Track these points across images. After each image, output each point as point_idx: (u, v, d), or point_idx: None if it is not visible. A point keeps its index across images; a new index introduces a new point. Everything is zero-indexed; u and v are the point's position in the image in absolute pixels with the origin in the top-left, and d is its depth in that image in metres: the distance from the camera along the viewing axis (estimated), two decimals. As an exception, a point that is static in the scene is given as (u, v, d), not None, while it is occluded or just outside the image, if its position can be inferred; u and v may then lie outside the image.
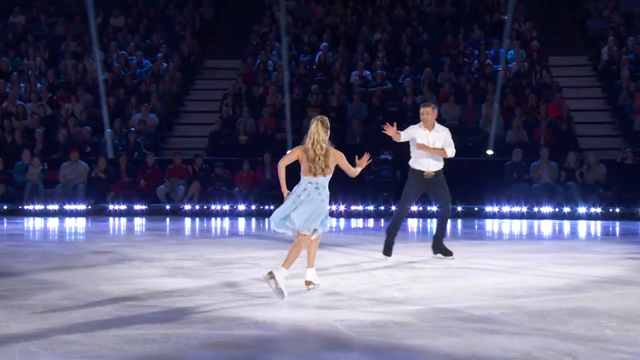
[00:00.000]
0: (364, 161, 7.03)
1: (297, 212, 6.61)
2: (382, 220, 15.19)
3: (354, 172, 6.99)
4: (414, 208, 15.47)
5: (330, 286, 6.91)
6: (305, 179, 6.80)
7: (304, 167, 6.82)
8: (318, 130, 6.74)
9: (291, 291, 6.54)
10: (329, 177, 6.80)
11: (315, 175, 6.75)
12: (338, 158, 6.83)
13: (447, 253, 8.84)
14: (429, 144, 8.57)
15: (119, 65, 21.18)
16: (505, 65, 20.34)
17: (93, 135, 18.60)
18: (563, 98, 19.05)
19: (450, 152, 8.74)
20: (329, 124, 6.83)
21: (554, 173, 16.43)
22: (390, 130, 8.07)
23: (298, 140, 18.16)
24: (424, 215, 15.98)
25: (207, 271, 7.89)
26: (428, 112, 8.56)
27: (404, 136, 8.55)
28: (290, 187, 6.89)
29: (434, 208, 16.00)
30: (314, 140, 6.73)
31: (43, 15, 23.72)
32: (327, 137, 6.78)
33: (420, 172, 8.60)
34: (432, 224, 14.51)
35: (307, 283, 6.82)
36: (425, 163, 8.60)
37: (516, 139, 17.78)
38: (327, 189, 6.79)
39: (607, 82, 20.28)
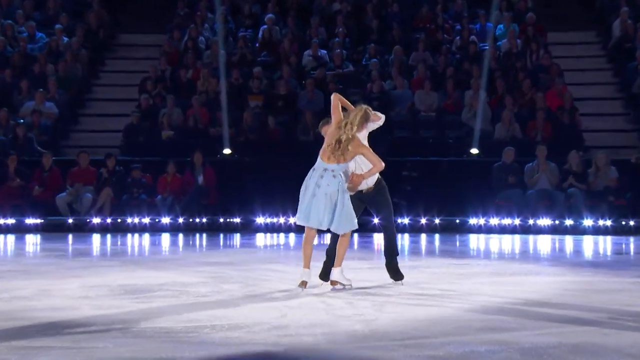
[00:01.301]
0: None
1: (320, 211, 8.16)
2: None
3: (379, 167, 8.34)
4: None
5: (277, 318, 6.92)
6: (321, 164, 8.24)
7: (326, 142, 8.28)
8: (358, 117, 8.20)
9: (232, 324, 6.54)
10: (344, 165, 8.29)
11: (333, 156, 8.17)
12: (364, 152, 8.26)
13: (398, 276, 8.91)
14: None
15: (4, 39, 20.86)
16: (494, 43, 20.57)
17: (-30, 130, 18.33)
18: (565, 84, 19.33)
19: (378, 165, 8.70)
20: (369, 117, 8.35)
21: (553, 177, 16.65)
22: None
23: (237, 135, 18.17)
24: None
25: (120, 301, 7.83)
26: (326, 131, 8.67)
27: None
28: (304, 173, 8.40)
29: (406, 220, 16.12)
30: (348, 122, 8.18)
31: None
32: (360, 130, 8.25)
33: (359, 190, 8.72)
34: (404, 240, 14.61)
35: (333, 283, 8.49)
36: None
37: (507, 135, 18.00)
38: (343, 176, 8.29)
39: (619, 64, 20.61)
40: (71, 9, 22.30)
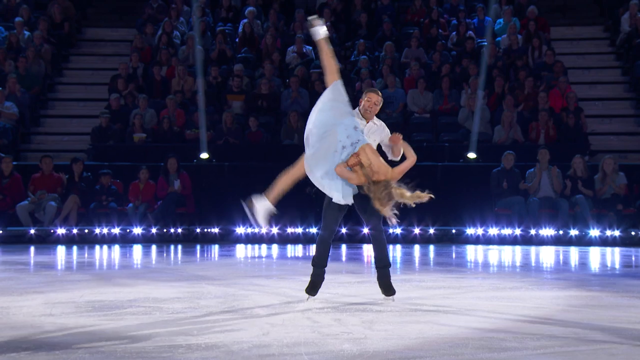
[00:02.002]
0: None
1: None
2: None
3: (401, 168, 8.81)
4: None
5: (258, 336, 6.93)
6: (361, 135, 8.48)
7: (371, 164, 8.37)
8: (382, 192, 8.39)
9: (209, 343, 6.54)
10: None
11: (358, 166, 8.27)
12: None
13: (389, 291, 8.93)
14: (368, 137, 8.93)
15: (-42, 34, 20.86)
16: (493, 39, 20.66)
17: None
18: (569, 83, 19.42)
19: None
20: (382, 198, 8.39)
21: (557, 183, 16.72)
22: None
23: (215, 138, 18.18)
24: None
25: (88, 319, 7.82)
26: (377, 102, 9.00)
27: None
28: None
29: (398, 230, 16.16)
30: (380, 191, 8.36)
31: None
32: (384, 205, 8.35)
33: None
34: (396, 252, 14.64)
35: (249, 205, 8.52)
36: None
37: (507, 138, 18.07)
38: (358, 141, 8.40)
39: (628, 61, 20.72)
40: (33, 1, 22.26)
